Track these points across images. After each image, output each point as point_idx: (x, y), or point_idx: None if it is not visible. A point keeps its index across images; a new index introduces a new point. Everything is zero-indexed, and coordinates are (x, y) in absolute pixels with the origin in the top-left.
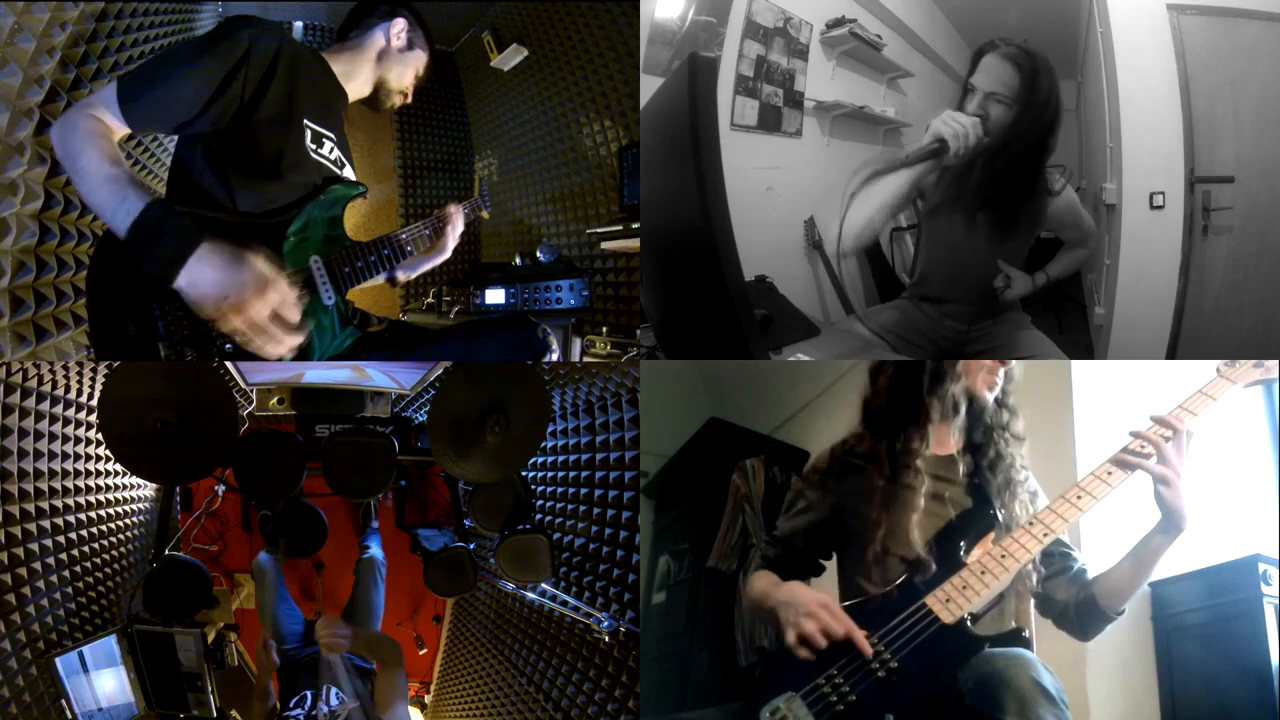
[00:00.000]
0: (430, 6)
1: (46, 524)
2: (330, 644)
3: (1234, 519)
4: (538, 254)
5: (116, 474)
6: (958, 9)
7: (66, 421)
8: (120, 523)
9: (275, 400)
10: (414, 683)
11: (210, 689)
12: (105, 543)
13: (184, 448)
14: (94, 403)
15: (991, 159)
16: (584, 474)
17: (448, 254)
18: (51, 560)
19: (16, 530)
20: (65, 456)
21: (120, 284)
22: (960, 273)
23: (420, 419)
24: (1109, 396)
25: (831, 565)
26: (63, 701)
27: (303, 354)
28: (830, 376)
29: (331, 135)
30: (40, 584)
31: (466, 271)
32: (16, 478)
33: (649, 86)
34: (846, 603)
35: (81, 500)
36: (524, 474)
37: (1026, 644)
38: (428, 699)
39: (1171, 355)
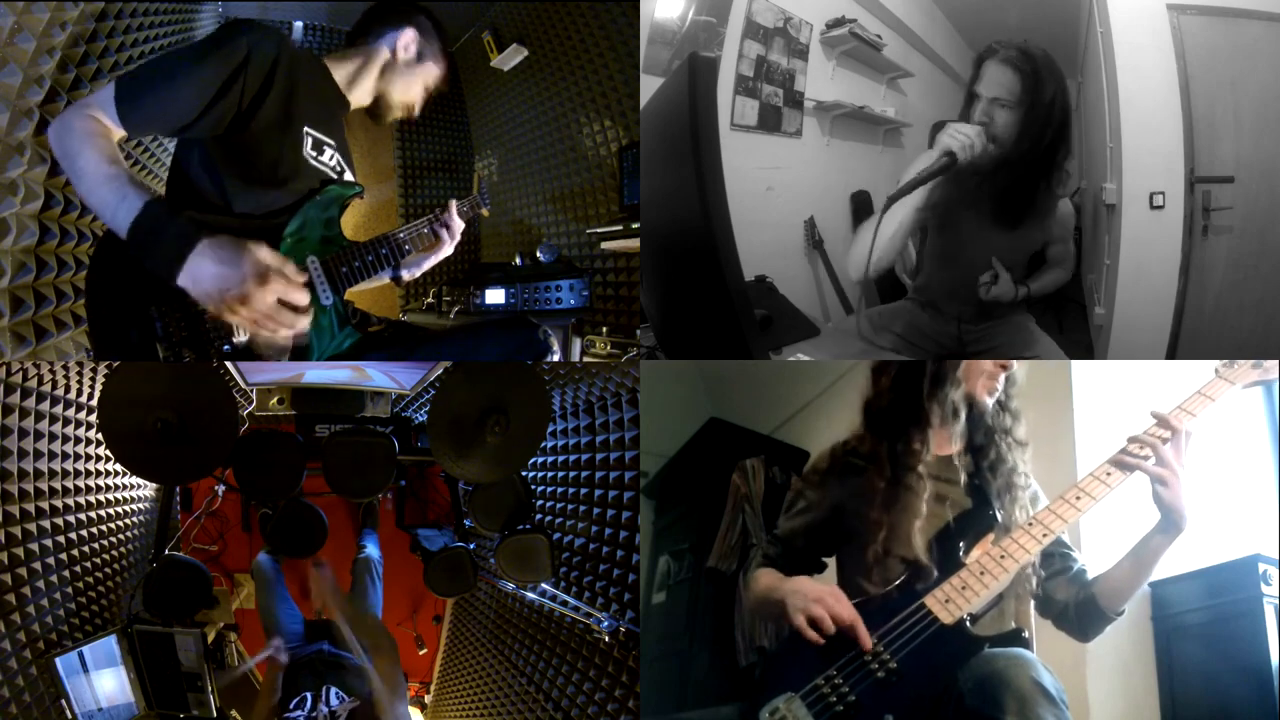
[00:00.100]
0: (430, 7)
1: (46, 524)
2: (320, 585)
3: (1234, 519)
4: (538, 254)
5: (116, 474)
6: (958, 9)
7: (66, 421)
8: (120, 523)
9: (275, 400)
10: (414, 683)
11: (210, 689)
12: (105, 543)
13: (184, 448)
14: (94, 403)
15: (1004, 163)
16: (584, 474)
17: (449, 250)
18: (51, 560)
19: (16, 530)
20: (65, 456)
21: (120, 286)
22: (964, 274)
23: (420, 419)
24: (1109, 396)
25: (831, 565)
26: (63, 701)
27: (302, 354)
28: (830, 376)
29: (332, 142)
30: (40, 584)
31: (466, 271)
32: (16, 478)
33: (649, 86)
34: None
35: (81, 500)
36: (524, 474)
37: (1026, 644)
38: (428, 699)
39: (1171, 355)
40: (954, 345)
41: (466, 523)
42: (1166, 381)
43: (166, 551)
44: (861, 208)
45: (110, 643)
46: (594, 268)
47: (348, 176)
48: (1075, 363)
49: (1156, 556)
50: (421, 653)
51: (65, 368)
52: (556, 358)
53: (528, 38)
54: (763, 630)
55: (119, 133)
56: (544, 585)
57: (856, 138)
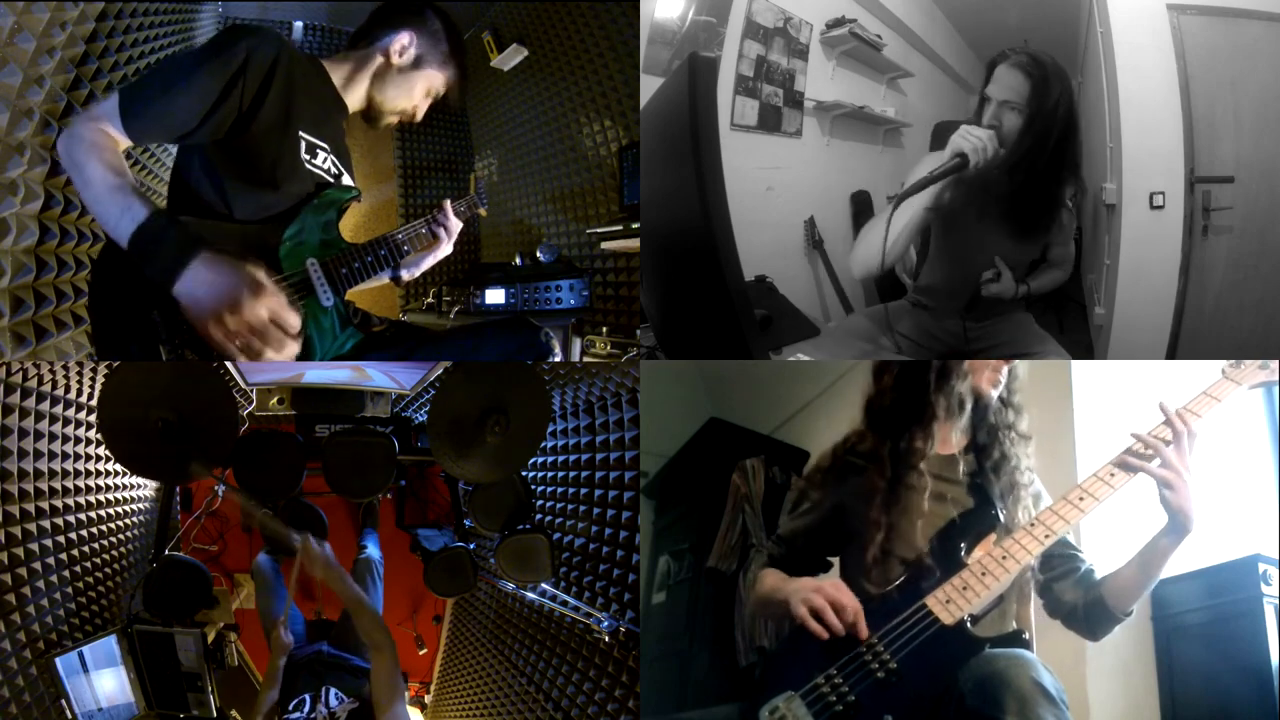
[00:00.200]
0: (443, 8)
1: (46, 524)
2: (310, 555)
3: (1234, 519)
4: (538, 254)
5: (116, 474)
6: (958, 9)
7: (66, 421)
8: (120, 523)
9: (275, 400)
10: (414, 683)
11: (210, 689)
12: (105, 543)
13: (184, 447)
14: (94, 403)
15: (1011, 165)
16: (584, 474)
17: (448, 250)
18: (51, 560)
19: (16, 530)
20: (65, 456)
21: (123, 287)
22: (967, 273)
23: (420, 419)
24: (1109, 396)
25: (834, 563)
26: (63, 701)
27: (304, 355)
28: (830, 376)
29: (325, 146)
30: (40, 584)
31: (466, 271)
32: (16, 478)
33: (649, 86)
34: None
35: (81, 500)
36: (524, 474)
37: (1027, 646)
38: (428, 699)
39: (1171, 355)
40: (958, 343)
41: (466, 523)
42: (1166, 381)
43: (166, 551)
44: (861, 208)
45: (110, 643)
46: (594, 268)
47: (345, 180)
48: (1075, 362)
49: (1164, 558)
50: (421, 653)
51: (65, 368)
52: (557, 358)
53: (528, 38)
54: (763, 630)
55: (125, 143)
56: (544, 585)
57: (856, 138)
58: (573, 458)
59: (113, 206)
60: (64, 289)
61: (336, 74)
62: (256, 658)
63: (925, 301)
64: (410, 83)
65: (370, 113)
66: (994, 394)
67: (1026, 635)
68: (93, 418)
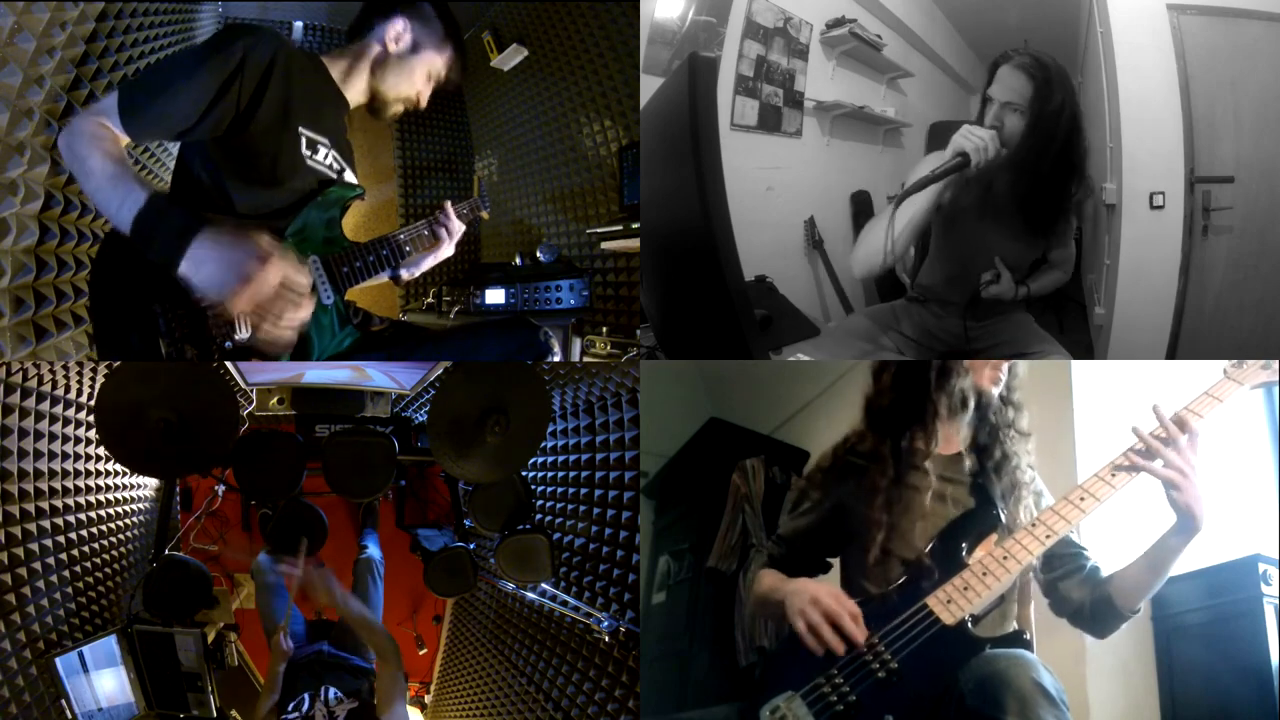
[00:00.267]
0: None
1: (46, 524)
2: (318, 588)
3: (1234, 519)
4: (538, 254)
5: (116, 474)
6: (958, 9)
7: (66, 421)
8: (120, 523)
9: (275, 400)
10: (414, 683)
11: (210, 689)
12: (105, 543)
13: (184, 447)
14: (94, 402)
15: (1016, 167)
16: (584, 474)
17: (450, 251)
18: (51, 560)
19: (16, 530)
20: (65, 456)
21: (123, 284)
22: (967, 273)
23: (420, 419)
24: (1109, 396)
25: (835, 565)
26: (63, 701)
27: (302, 353)
28: (830, 376)
29: (326, 141)
30: (40, 584)
31: (466, 271)
32: (16, 478)
33: (649, 86)
34: None
35: (81, 500)
36: (524, 474)
37: (1027, 646)
38: (428, 699)
39: (1171, 355)
40: (958, 343)
41: (466, 523)
42: (1166, 381)
43: (166, 551)
44: (861, 208)
45: (110, 643)
46: (594, 268)
47: (348, 176)
48: (1075, 362)
49: (1173, 557)
50: (421, 653)
51: (65, 368)
52: (557, 358)
53: (528, 38)
54: (763, 630)
55: (124, 138)
56: (544, 585)
57: (856, 138)
58: (573, 458)
59: (113, 194)
60: (64, 289)
61: (335, 69)
62: (256, 658)
63: (926, 299)
64: (410, 68)
65: (374, 104)
66: (995, 392)
67: (1027, 635)
68: (93, 418)
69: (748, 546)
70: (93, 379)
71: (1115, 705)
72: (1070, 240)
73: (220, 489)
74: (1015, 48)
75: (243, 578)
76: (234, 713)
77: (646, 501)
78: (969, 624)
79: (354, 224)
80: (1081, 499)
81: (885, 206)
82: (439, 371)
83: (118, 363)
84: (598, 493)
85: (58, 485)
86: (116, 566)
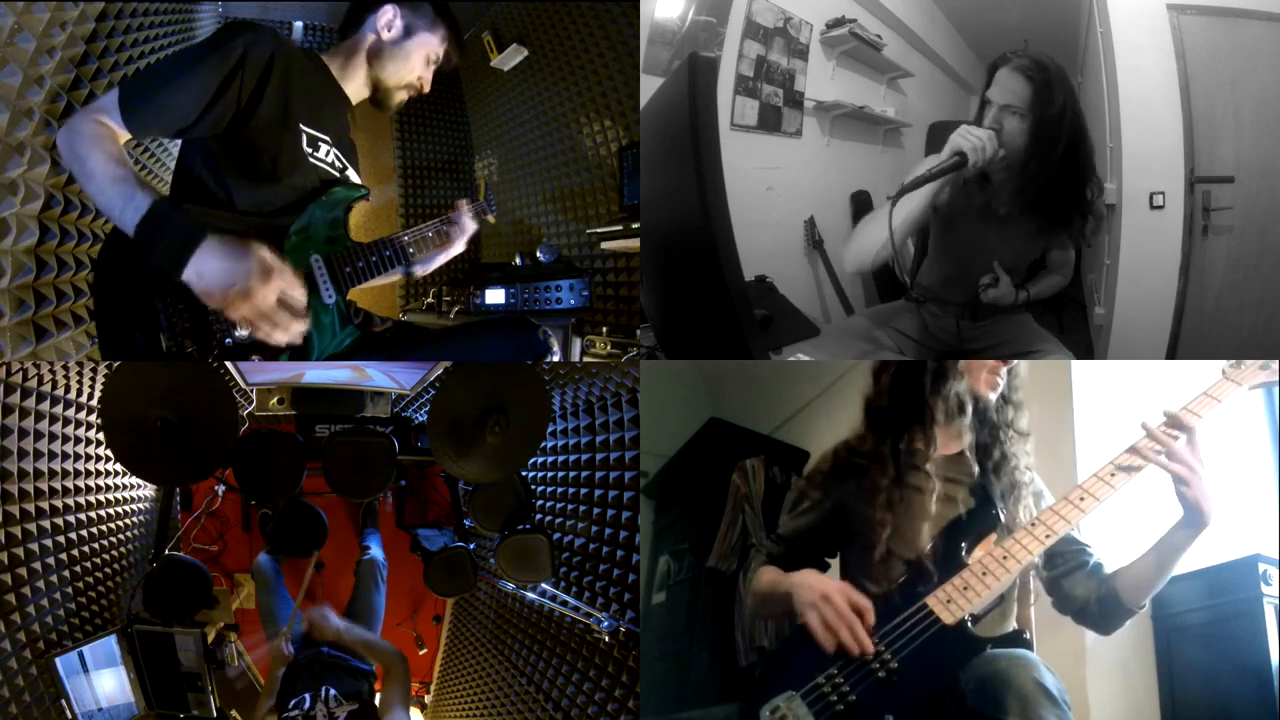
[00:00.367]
0: None
1: (46, 524)
2: (319, 626)
3: (1234, 519)
4: (538, 254)
5: (116, 474)
6: (958, 9)
7: (66, 421)
8: (120, 523)
9: (275, 400)
10: (414, 683)
11: (210, 689)
12: (105, 543)
13: (184, 447)
14: (94, 403)
15: (1020, 169)
16: (584, 474)
17: (461, 248)
18: (51, 560)
19: (16, 530)
20: (65, 456)
21: (125, 281)
22: (966, 273)
23: (420, 419)
24: (1109, 396)
25: (834, 565)
26: (63, 701)
27: (303, 352)
28: (830, 376)
29: (327, 138)
30: (40, 584)
31: (466, 271)
32: (16, 478)
33: (649, 86)
34: None
35: (81, 500)
36: (524, 474)
37: (1028, 646)
38: (428, 699)
39: (1171, 355)
40: (955, 343)
41: (466, 523)
42: (1166, 381)
43: (166, 551)
44: (861, 208)
45: (110, 643)
46: (594, 268)
47: (350, 173)
48: (1075, 362)
49: (1180, 552)
50: (421, 653)
51: (65, 368)
52: (556, 358)
53: (528, 38)
54: (763, 630)
55: (124, 135)
56: (544, 585)
57: (856, 138)
58: (573, 458)
59: (116, 198)
60: (64, 289)
61: (334, 65)
62: (256, 658)
63: (925, 299)
64: (407, 53)
65: (377, 95)
66: (992, 396)
67: (1027, 635)
68: (93, 418)
69: (748, 546)
70: (93, 379)
71: (1115, 705)
72: (1069, 242)
73: (220, 489)
74: (1014, 49)
75: (243, 578)
76: (234, 713)
77: (646, 501)
78: (969, 623)
79: (354, 223)
80: (1081, 499)
81: (884, 206)
82: (439, 371)
83: (118, 362)
84: (598, 493)
85: (58, 485)
86: (116, 566)
